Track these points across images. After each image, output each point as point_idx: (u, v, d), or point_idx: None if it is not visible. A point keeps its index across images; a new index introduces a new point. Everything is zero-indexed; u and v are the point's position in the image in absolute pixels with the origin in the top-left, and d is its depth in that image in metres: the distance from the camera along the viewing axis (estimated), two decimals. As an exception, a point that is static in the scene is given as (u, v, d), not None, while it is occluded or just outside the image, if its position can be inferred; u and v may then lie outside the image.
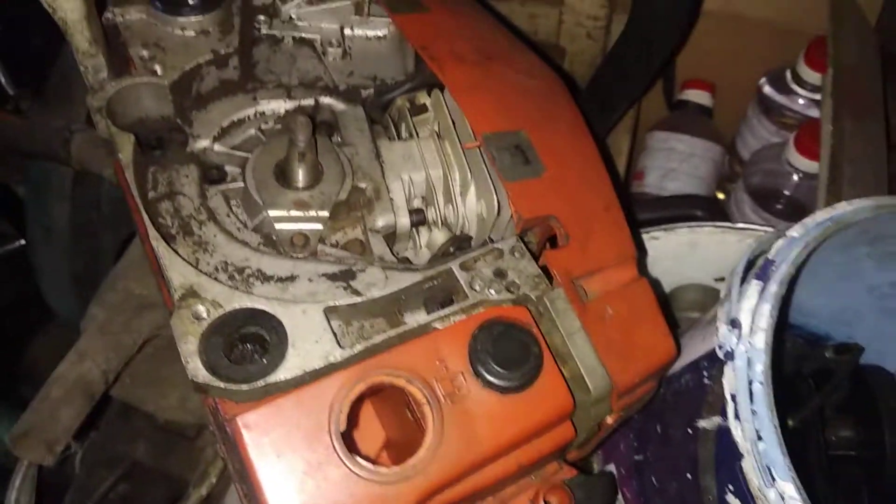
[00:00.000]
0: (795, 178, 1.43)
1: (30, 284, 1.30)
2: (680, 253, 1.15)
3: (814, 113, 1.53)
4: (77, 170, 0.98)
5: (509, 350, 0.61)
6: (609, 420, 0.68)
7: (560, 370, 0.63)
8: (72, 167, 0.97)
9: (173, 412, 0.93)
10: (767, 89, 1.59)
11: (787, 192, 1.47)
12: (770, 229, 1.09)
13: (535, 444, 0.62)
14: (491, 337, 0.62)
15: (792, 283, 0.64)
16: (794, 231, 0.68)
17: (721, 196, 1.76)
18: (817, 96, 1.51)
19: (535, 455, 0.62)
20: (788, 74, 1.56)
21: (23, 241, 1.54)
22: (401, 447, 0.70)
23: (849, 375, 0.83)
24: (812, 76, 1.49)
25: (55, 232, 1.13)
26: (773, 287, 0.63)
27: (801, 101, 1.55)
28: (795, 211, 1.47)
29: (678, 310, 1.21)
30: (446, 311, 0.65)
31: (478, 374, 0.60)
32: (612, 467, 0.89)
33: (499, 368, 0.60)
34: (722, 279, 1.19)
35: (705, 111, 1.75)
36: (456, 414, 0.58)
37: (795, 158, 1.39)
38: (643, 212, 1.28)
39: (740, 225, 1.12)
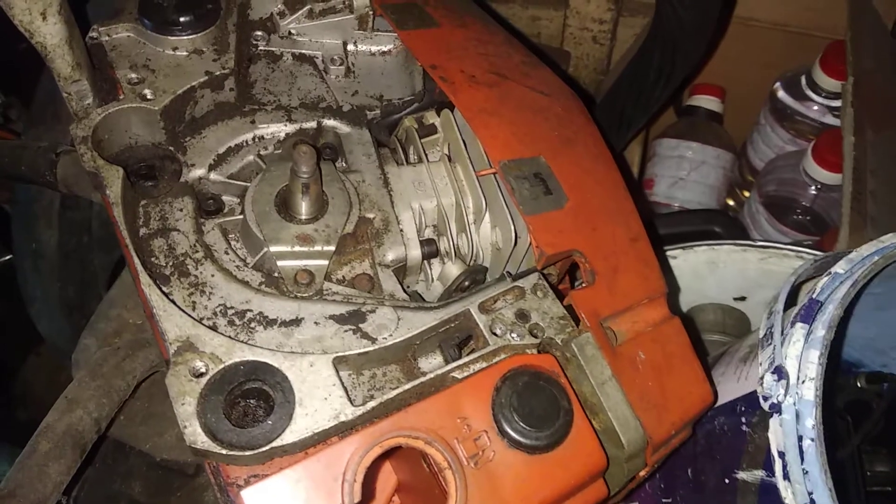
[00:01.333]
0: (813, 189, 1.38)
1: (19, 308, 1.24)
2: (699, 272, 1.10)
3: (829, 120, 1.48)
4: (64, 193, 0.92)
5: (536, 404, 0.56)
6: (642, 473, 0.63)
7: (591, 424, 0.58)
8: (58, 191, 0.91)
9: (170, 451, 0.87)
10: (781, 94, 1.54)
11: (804, 203, 1.42)
12: (794, 248, 1.04)
13: (566, 506, 0.57)
14: (516, 390, 0.57)
15: (841, 326, 0.59)
16: (840, 267, 0.62)
17: (731, 203, 1.71)
18: (834, 103, 1.47)
19: (567, 519, 0.57)
20: (803, 80, 1.51)
21: (10, 256, 1.48)
22: (415, 494, 0.65)
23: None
24: (829, 83, 1.44)
25: (44, 257, 1.07)
26: (821, 331, 0.58)
27: (816, 107, 1.50)
28: (813, 222, 1.42)
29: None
30: (466, 359, 0.60)
31: (503, 434, 0.55)
32: (635, 508, 0.84)
33: (526, 427, 0.55)
34: (742, 298, 1.14)
35: (715, 117, 1.70)
36: (481, 478, 0.53)
37: (814, 170, 1.34)
38: (658, 227, 1.23)
39: (761, 242, 1.07)
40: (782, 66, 1.58)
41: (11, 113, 1.68)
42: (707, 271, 1.11)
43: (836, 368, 0.83)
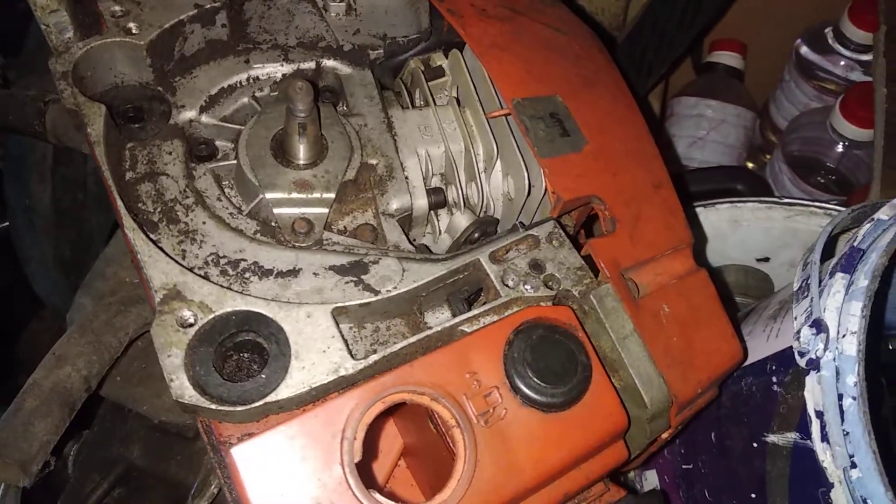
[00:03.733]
0: (840, 146, 1.32)
1: (17, 271, 1.21)
2: (720, 231, 1.05)
3: (857, 76, 1.41)
4: (55, 145, 0.87)
5: (552, 359, 0.52)
6: (664, 435, 0.59)
7: (611, 382, 0.53)
8: (48, 141, 0.86)
9: (168, 413, 0.84)
10: (804, 50, 1.47)
11: (829, 163, 1.36)
12: (823, 205, 0.99)
13: (583, 468, 0.53)
14: (529, 343, 0.52)
15: (885, 276, 0.54)
16: (884, 213, 0.57)
17: (751, 165, 1.65)
18: (863, 57, 1.40)
19: (583, 481, 0.53)
20: (829, 33, 1.44)
21: (6, 223, 1.45)
22: (422, 458, 0.61)
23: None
24: (858, 35, 1.37)
25: (38, 214, 1.03)
26: (864, 281, 0.53)
27: (843, 62, 1.43)
28: (838, 183, 1.36)
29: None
30: (475, 311, 0.55)
31: (516, 390, 0.51)
32: (652, 474, 0.80)
33: (540, 383, 0.50)
34: (765, 259, 1.09)
35: (736, 74, 1.62)
36: (491, 438, 0.49)
37: (841, 125, 1.27)
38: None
39: (788, 200, 1.02)
40: (806, 19, 1.51)
41: (10, 74, 1.63)
42: (729, 230, 1.06)
43: (882, 331, 0.78)
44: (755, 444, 0.61)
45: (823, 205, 0.98)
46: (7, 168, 1.04)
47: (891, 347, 0.81)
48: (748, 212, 1.04)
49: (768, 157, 1.56)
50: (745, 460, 0.62)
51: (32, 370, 0.74)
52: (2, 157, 1.21)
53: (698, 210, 1.04)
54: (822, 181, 1.36)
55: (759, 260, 1.09)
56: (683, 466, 0.73)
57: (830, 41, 1.44)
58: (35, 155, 1.00)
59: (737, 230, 1.05)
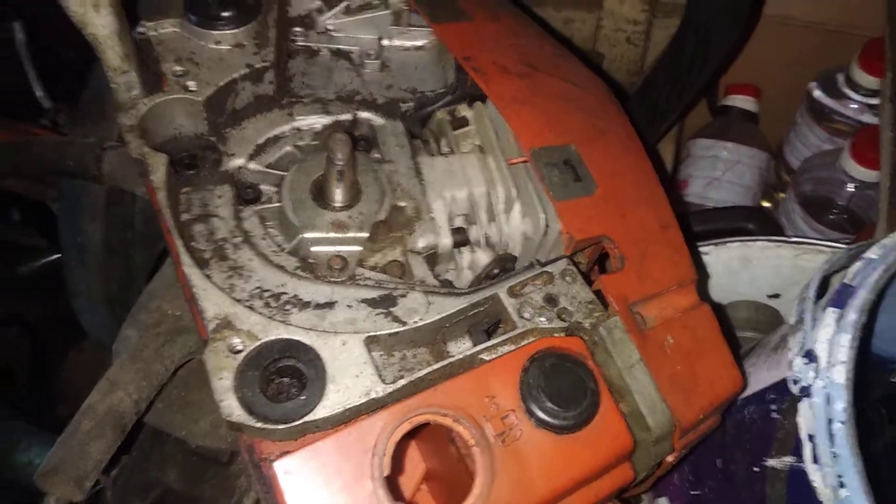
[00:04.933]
0: (850, 187, 1.36)
1: (63, 301, 1.29)
2: (731, 268, 1.09)
3: (868, 119, 1.46)
4: (109, 188, 0.95)
5: (563, 385, 0.57)
6: (669, 458, 0.63)
7: (618, 407, 0.58)
8: (103, 185, 0.94)
9: (205, 437, 0.90)
10: (817, 94, 1.52)
11: (840, 202, 1.40)
12: (829, 244, 1.03)
13: (593, 487, 0.57)
14: (543, 370, 0.57)
15: (872, 310, 0.59)
16: (873, 252, 0.62)
17: (766, 205, 1.69)
18: (872, 101, 1.44)
19: (593, 499, 0.57)
20: (841, 78, 1.49)
21: (58, 255, 1.53)
22: (442, 481, 0.66)
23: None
24: (867, 80, 1.42)
25: (88, 251, 1.11)
26: (853, 315, 0.57)
27: (854, 105, 1.47)
28: (850, 221, 1.40)
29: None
30: (494, 341, 0.61)
31: (530, 413, 0.56)
32: (664, 501, 0.84)
33: (553, 406, 0.55)
34: (776, 296, 1.13)
35: (750, 117, 1.68)
36: (508, 457, 0.54)
37: (851, 167, 1.32)
38: (692, 224, 1.22)
39: (796, 239, 1.06)
40: (818, 65, 1.56)
41: (60, 118, 1.73)
42: (740, 267, 1.10)
43: (869, 363, 0.82)
44: (756, 469, 0.65)
45: (831, 244, 1.03)
46: (62, 208, 1.12)
47: (892, 380, 0.84)
48: (758, 250, 1.08)
49: (783, 195, 1.60)
50: (747, 484, 0.66)
51: (71, 399, 0.80)
52: (57, 197, 1.29)
53: (709, 248, 1.09)
54: (834, 219, 1.40)
55: (769, 296, 1.13)
56: (692, 492, 0.77)
57: (841, 86, 1.49)
58: (89, 197, 1.08)
59: (747, 268, 1.10)
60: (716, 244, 1.08)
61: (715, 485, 0.73)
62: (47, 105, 1.66)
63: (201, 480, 0.96)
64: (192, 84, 0.70)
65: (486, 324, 0.66)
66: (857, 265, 0.62)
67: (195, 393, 0.92)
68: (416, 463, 0.70)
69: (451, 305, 0.63)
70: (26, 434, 1.11)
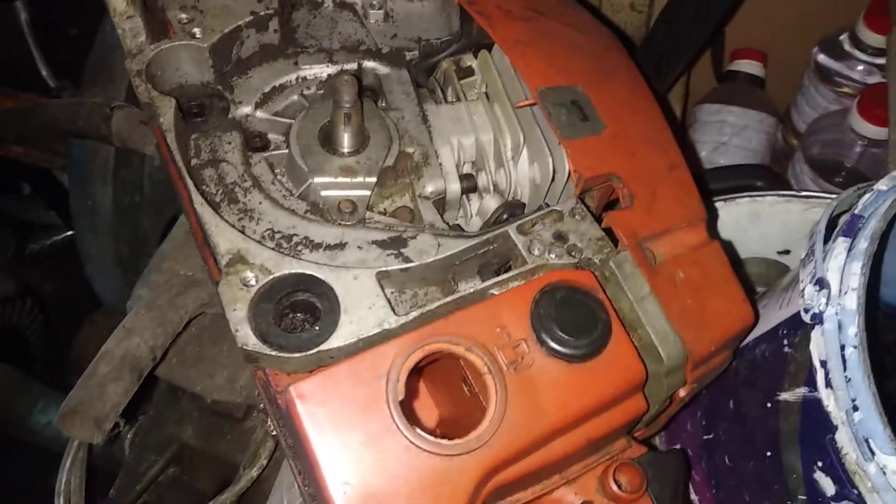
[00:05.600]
0: (859, 146, 1.35)
1: (75, 275, 1.30)
2: (741, 225, 1.09)
3: (874, 79, 1.45)
4: (118, 147, 0.96)
5: (574, 316, 0.57)
6: (682, 393, 0.63)
7: (629, 338, 0.58)
8: (113, 144, 0.95)
9: (220, 392, 0.91)
10: (822, 58, 1.51)
11: (849, 163, 1.39)
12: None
13: (605, 417, 0.57)
14: (554, 302, 0.58)
15: (882, 241, 0.59)
16: (883, 184, 0.62)
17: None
18: (878, 60, 1.43)
19: (605, 429, 0.57)
20: (846, 39, 1.48)
21: (70, 232, 1.54)
22: (457, 425, 0.66)
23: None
24: (873, 38, 1.41)
25: (99, 215, 1.12)
26: (863, 243, 0.57)
27: (860, 66, 1.46)
28: (859, 181, 1.39)
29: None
30: (504, 276, 0.61)
31: (542, 342, 0.56)
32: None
33: (564, 335, 0.56)
34: (786, 252, 1.13)
35: (757, 81, 1.67)
36: (520, 384, 0.54)
37: (859, 125, 1.31)
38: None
39: (805, 193, 1.06)
40: (824, 27, 1.55)
41: (64, 95, 1.74)
42: (749, 224, 1.09)
43: (878, 310, 0.82)
44: (769, 405, 0.65)
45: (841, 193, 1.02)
46: (71, 173, 1.13)
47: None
48: (767, 205, 1.07)
49: (791, 160, 1.60)
50: (760, 421, 0.66)
51: (83, 372, 0.80)
52: (64, 166, 1.30)
53: (719, 204, 1.08)
54: (843, 181, 1.39)
55: (779, 252, 1.12)
56: (704, 437, 0.77)
57: (847, 47, 1.47)
58: (98, 160, 1.09)
59: (756, 224, 1.09)
60: (725, 200, 1.08)
61: (727, 426, 0.73)
62: (52, 84, 1.67)
63: (218, 436, 0.97)
64: (197, 31, 0.70)
65: (497, 264, 0.66)
66: (868, 196, 0.62)
67: (210, 348, 0.93)
68: (430, 411, 0.71)
69: (461, 244, 0.63)
70: (43, 395, 1.12)
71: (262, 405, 0.87)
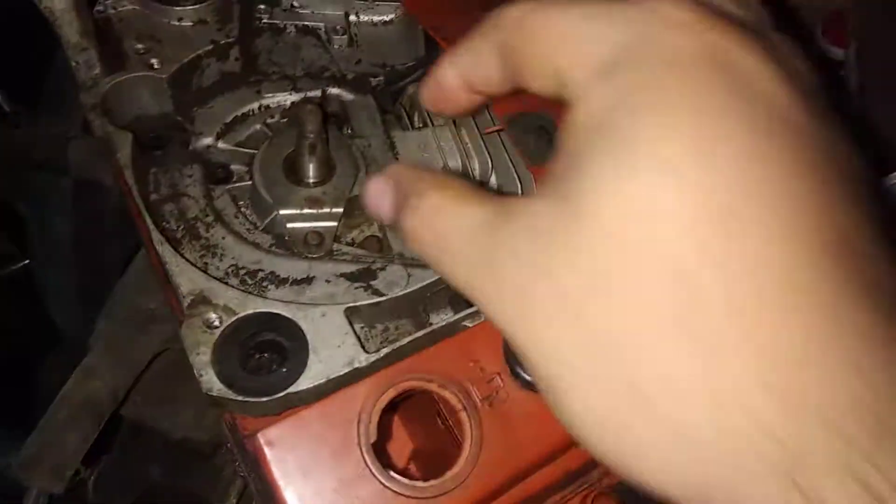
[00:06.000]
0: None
1: (37, 307, 1.26)
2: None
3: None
4: (76, 179, 0.93)
5: (549, 347, 0.56)
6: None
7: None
8: (70, 176, 0.92)
9: (187, 430, 0.88)
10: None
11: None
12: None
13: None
14: (528, 333, 0.57)
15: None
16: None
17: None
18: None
19: (584, 458, 0.56)
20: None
21: (27, 262, 1.50)
22: (430, 459, 0.65)
23: None
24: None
25: (58, 247, 1.08)
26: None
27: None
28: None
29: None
30: (475, 307, 0.60)
31: (516, 375, 0.55)
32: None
33: (539, 367, 0.55)
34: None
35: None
36: (495, 419, 0.53)
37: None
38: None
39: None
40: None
41: (21, 121, 1.69)
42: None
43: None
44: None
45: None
46: (30, 205, 1.10)
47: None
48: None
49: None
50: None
51: (47, 404, 0.77)
52: (22, 197, 1.26)
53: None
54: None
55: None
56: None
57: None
58: (57, 191, 1.05)
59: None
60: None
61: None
62: (7, 108, 1.63)
63: (186, 474, 0.95)
64: (155, 61, 0.68)
65: (468, 294, 0.65)
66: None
67: (175, 386, 0.91)
68: (402, 444, 0.69)
69: (431, 275, 0.62)
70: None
71: (229, 444, 0.84)
